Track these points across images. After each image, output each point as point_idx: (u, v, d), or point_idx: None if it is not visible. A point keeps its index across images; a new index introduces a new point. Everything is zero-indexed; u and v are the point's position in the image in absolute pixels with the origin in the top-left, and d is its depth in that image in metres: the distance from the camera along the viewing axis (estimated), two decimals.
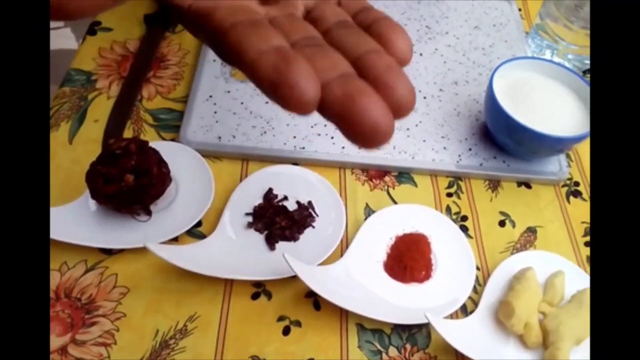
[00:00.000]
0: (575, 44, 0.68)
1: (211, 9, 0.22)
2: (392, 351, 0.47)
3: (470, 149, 0.60)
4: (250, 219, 0.52)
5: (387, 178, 0.58)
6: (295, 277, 0.46)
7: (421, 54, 0.70)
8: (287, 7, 0.24)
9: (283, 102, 0.19)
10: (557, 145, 0.56)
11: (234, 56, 0.20)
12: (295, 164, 0.57)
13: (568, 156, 0.62)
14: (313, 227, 0.52)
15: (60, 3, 0.20)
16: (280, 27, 0.22)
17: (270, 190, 0.53)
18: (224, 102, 0.61)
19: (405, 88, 0.20)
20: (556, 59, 0.70)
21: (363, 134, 0.19)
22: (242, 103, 0.61)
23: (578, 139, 0.55)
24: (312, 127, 0.60)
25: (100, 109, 0.61)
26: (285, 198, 0.53)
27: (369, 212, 0.55)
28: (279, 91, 0.19)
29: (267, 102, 0.62)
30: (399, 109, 0.20)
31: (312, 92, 0.19)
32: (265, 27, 0.21)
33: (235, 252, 0.50)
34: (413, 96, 0.21)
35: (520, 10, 0.78)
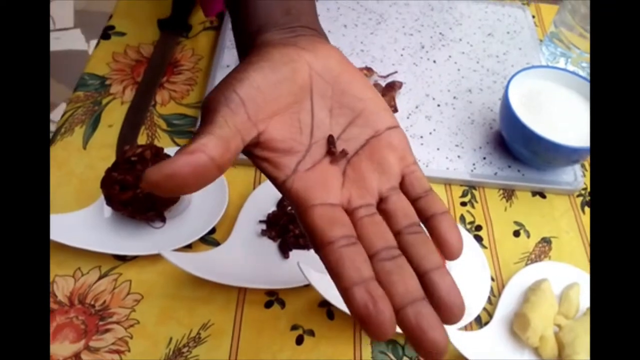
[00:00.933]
0: (589, 52, 0.68)
1: (307, 201, 0.28)
2: None
3: (484, 158, 0.60)
4: (263, 226, 0.52)
5: None
6: (308, 286, 0.46)
7: (435, 61, 0.69)
8: (366, 195, 0.29)
9: (367, 332, 0.24)
10: (572, 155, 0.56)
11: (330, 273, 0.26)
12: None
13: (583, 166, 0.62)
14: None
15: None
16: (364, 232, 0.27)
17: (284, 197, 0.53)
18: None
19: (461, 309, 0.26)
20: (570, 67, 0.70)
21: (425, 354, 0.24)
22: None
23: None
24: None
25: (114, 114, 0.61)
26: None
27: None
28: (367, 326, 0.24)
29: None
30: (451, 320, 0.26)
31: (391, 331, 0.24)
32: (358, 255, 0.26)
33: (249, 260, 0.50)
34: (463, 313, 0.26)
35: (534, 17, 0.78)
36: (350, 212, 0.28)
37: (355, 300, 0.24)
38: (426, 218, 0.29)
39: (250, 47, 0.32)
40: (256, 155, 0.29)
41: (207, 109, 0.28)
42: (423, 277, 0.26)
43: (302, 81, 0.30)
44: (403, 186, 0.30)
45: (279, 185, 0.29)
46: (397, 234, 0.28)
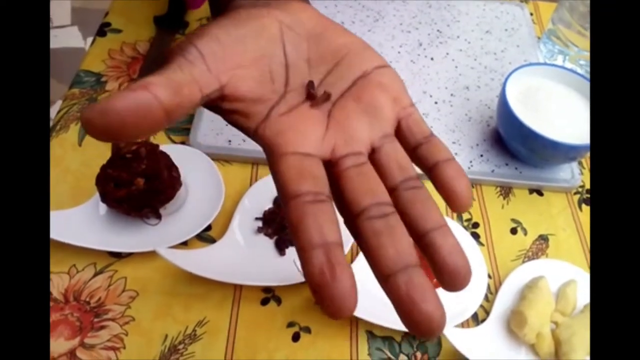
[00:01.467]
0: (587, 50, 0.67)
1: (278, 146, 0.24)
2: (402, 359, 0.46)
3: (481, 155, 0.60)
4: (260, 223, 0.52)
5: None
6: (305, 283, 0.46)
7: (432, 59, 0.69)
8: (353, 143, 0.25)
9: (320, 305, 0.20)
10: (570, 153, 0.55)
11: (289, 228, 0.22)
12: None
13: (580, 164, 0.62)
14: None
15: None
16: (349, 183, 0.24)
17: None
18: None
19: (466, 273, 0.22)
20: (568, 65, 0.70)
21: (416, 329, 0.21)
22: None
23: None
24: None
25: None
26: None
27: None
28: (318, 296, 0.20)
29: None
30: (456, 286, 0.22)
31: (348, 307, 0.20)
32: (323, 213, 0.22)
33: (245, 257, 0.49)
34: (470, 276, 0.22)
35: (532, 15, 0.78)
36: (334, 162, 0.25)
37: (310, 264, 0.21)
38: (429, 167, 0.25)
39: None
40: (224, 109, 0.26)
41: (163, 61, 0.25)
42: (422, 239, 0.23)
43: (271, 35, 0.27)
44: (399, 132, 0.27)
45: (252, 134, 0.26)
46: (391, 190, 0.24)
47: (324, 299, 0.20)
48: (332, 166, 0.25)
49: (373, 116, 0.26)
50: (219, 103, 0.26)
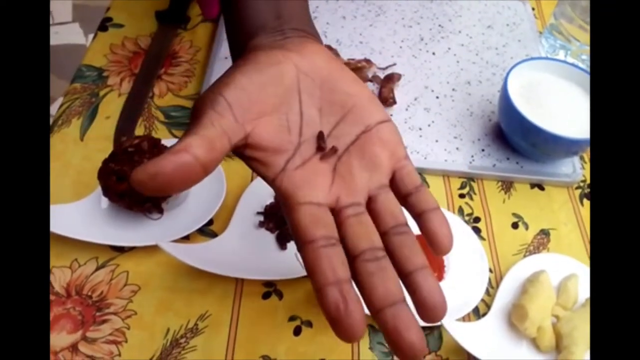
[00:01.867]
0: (589, 44, 0.67)
1: (295, 198, 0.28)
2: None
3: (483, 150, 0.60)
4: (261, 218, 0.52)
5: None
6: (306, 277, 0.45)
7: (434, 53, 0.69)
8: (354, 194, 0.29)
9: (335, 331, 0.25)
10: (572, 147, 0.55)
11: (306, 269, 0.26)
12: None
13: (582, 158, 0.61)
14: None
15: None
16: (349, 232, 0.28)
17: None
18: None
19: (442, 309, 0.26)
20: (570, 59, 0.69)
21: (401, 355, 0.25)
22: None
23: None
24: None
25: (112, 106, 0.60)
26: None
27: None
28: (335, 327, 0.25)
29: None
30: (433, 319, 0.26)
31: (359, 335, 0.24)
32: (335, 255, 0.26)
33: (246, 251, 0.49)
34: (445, 312, 0.26)
35: (533, 9, 0.78)
36: (338, 211, 0.29)
37: (327, 300, 0.25)
38: (417, 214, 0.29)
39: (242, 52, 0.33)
40: (246, 155, 0.30)
41: (195, 113, 0.28)
42: (406, 278, 0.27)
43: (289, 82, 0.31)
44: (393, 182, 0.30)
45: (270, 183, 0.30)
46: (383, 235, 0.28)
47: (339, 329, 0.24)
48: (335, 214, 0.29)
49: (372, 170, 0.30)
50: (242, 150, 0.29)
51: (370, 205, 0.30)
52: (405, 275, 0.27)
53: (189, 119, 0.30)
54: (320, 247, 0.26)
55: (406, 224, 0.29)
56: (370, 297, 0.26)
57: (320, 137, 0.30)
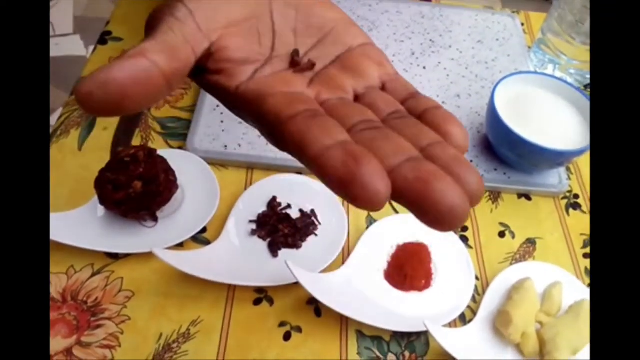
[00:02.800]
0: (576, 59, 0.69)
1: (263, 94, 0.23)
2: (391, 358, 0.47)
3: (471, 161, 0.61)
4: (254, 226, 0.53)
5: None
6: (296, 284, 0.47)
7: (424, 67, 0.71)
8: (337, 91, 0.25)
9: (353, 200, 0.18)
10: (557, 158, 0.57)
11: (294, 148, 0.20)
12: (300, 172, 0.58)
13: (568, 169, 0.63)
14: (315, 235, 0.53)
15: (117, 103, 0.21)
16: (334, 111, 0.22)
17: (274, 198, 0.55)
18: None
19: (475, 178, 0.20)
20: (558, 74, 0.71)
21: (440, 219, 0.18)
22: None
23: (578, 153, 0.56)
24: None
25: (109, 118, 0.62)
26: (289, 206, 0.55)
27: (370, 220, 0.56)
28: (350, 190, 0.18)
29: None
30: (470, 200, 0.19)
31: (385, 190, 0.18)
32: (328, 120, 0.21)
33: (239, 258, 0.51)
34: (482, 186, 0.20)
35: (523, 25, 0.80)
36: (320, 103, 0.24)
37: (330, 162, 0.19)
38: (418, 115, 0.23)
39: None
40: (210, 68, 0.25)
41: (150, 22, 0.24)
42: (421, 153, 0.21)
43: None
44: (384, 90, 0.26)
45: (232, 93, 0.24)
46: (381, 122, 0.23)
47: (356, 190, 0.18)
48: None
49: (358, 75, 0.26)
50: (205, 63, 0.25)
51: (358, 101, 0.25)
52: (419, 151, 0.21)
53: (145, 35, 0.24)
54: (306, 117, 0.21)
55: (405, 111, 0.24)
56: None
57: (295, 52, 0.26)
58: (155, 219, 0.52)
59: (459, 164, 0.20)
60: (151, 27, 0.23)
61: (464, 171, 0.20)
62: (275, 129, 0.21)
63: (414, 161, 0.19)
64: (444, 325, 0.48)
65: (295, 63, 0.26)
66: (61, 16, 1.87)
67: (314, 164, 0.19)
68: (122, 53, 0.21)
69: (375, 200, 0.18)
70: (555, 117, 0.60)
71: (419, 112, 0.23)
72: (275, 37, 0.26)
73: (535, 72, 0.63)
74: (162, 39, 0.22)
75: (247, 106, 0.24)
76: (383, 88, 0.26)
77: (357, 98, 0.25)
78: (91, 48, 1.77)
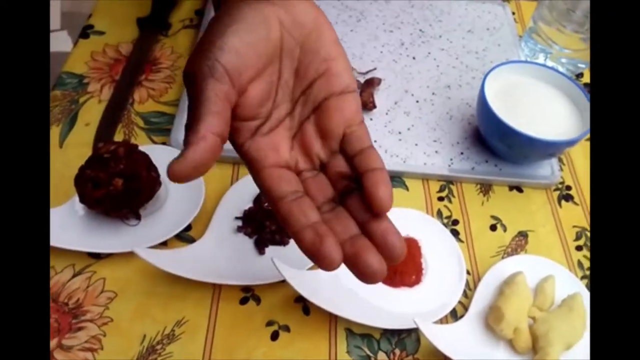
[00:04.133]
0: (568, 47, 0.68)
1: (259, 164, 0.30)
2: (381, 356, 0.46)
3: (462, 153, 0.60)
4: (240, 222, 0.52)
5: None
6: (284, 282, 0.46)
7: (414, 58, 0.70)
8: (308, 161, 0.32)
9: (319, 265, 0.27)
10: (548, 149, 0.56)
11: (281, 221, 0.29)
12: None
13: (560, 160, 0.62)
14: None
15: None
16: (308, 189, 0.30)
17: (260, 194, 0.53)
18: None
19: (399, 242, 0.28)
20: (550, 63, 0.70)
21: (365, 278, 0.27)
22: None
23: (569, 143, 0.55)
24: None
25: (92, 113, 0.60)
26: None
27: None
28: (317, 259, 0.27)
29: None
30: (393, 260, 0.28)
31: (338, 260, 0.27)
32: (304, 202, 0.29)
33: (224, 256, 0.49)
34: (404, 248, 0.28)
35: (514, 13, 0.78)
36: (297, 173, 0.31)
37: (304, 240, 0.27)
38: (360, 174, 0.30)
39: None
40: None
41: (193, 81, 0.29)
42: (362, 226, 0.29)
43: (275, 39, 0.31)
44: (342, 144, 0.32)
45: (237, 148, 0.31)
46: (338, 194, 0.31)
47: (320, 260, 0.27)
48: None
49: (325, 138, 0.32)
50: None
51: (323, 169, 0.32)
52: (361, 224, 0.29)
53: (184, 86, 0.30)
54: (291, 200, 0.29)
55: (356, 184, 0.31)
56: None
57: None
58: (138, 217, 0.51)
59: (387, 234, 0.28)
60: (192, 84, 0.29)
61: (390, 239, 0.28)
62: (271, 205, 0.30)
63: (353, 238, 0.28)
64: (435, 322, 0.47)
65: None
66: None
67: (294, 236, 0.28)
68: (190, 132, 0.27)
69: (333, 265, 0.27)
70: (547, 107, 0.58)
71: (361, 172, 0.30)
72: (279, 83, 0.32)
73: (526, 62, 0.62)
74: (214, 109, 0.28)
75: (247, 164, 0.31)
76: (342, 141, 0.32)
77: (322, 165, 0.32)
78: None
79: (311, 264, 0.49)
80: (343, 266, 0.53)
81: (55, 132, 0.59)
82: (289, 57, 0.32)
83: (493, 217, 0.56)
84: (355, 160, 0.31)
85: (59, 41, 1.78)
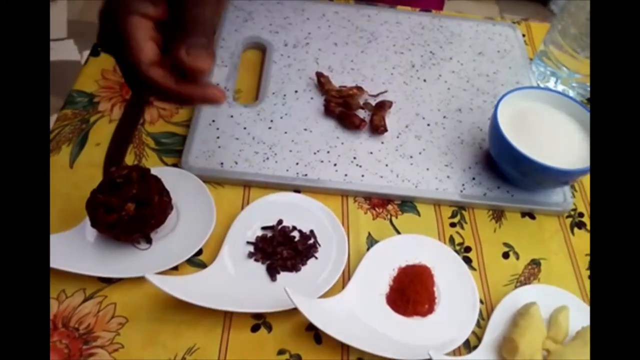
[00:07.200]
0: (578, 72, 0.68)
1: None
2: None
3: (474, 178, 0.60)
4: (251, 248, 0.51)
5: (390, 207, 0.58)
6: (296, 309, 0.45)
7: (425, 80, 0.69)
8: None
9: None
10: (562, 177, 0.56)
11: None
12: (297, 191, 0.57)
13: (572, 187, 0.62)
14: (316, 257, 0.51)
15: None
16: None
17: (280, 221, 0.53)
18: (227, 126, 0.61)
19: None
20: (560, 87, 0.70)
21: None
22: (245, 128, 0.61)
23: (583, 172, 0.54)
24: (314, 153, 0.59)
25: (102, 132, 0.60)
26: (294, 228, 0.53)
27: (371, 241, 0.54)
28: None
29: (269, 128, 0.61)
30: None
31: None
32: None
33: (236, 283, 0.49)
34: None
35: (524, 36, 0.78)
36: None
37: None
38: None
39: None
40: None
41: None
42: None
43: None
44: None
45: None
46: None
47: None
48: None
49: None
50: None
51: None
52: None
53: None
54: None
55: None
56: None
57: None
58: (150, 241, 0.50)
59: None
60: None
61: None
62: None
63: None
64: (448, 353, 0.47)
65: None
66: (55, 20, 1.85)
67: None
68: None
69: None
70: (559, 134, 0.58)
71: None
72: None
73: (539, 87, 0.62)
74: None
75: None
76: None
77: None
78: (85, 53, 1.75)
79: (324, 290, 0.48)
80: (355, 296, 0.53)
81: (65, 152, 0.58)
82: None
83: (505, 244, 0.56)
84: None
85: (66, 50, 1.78)
